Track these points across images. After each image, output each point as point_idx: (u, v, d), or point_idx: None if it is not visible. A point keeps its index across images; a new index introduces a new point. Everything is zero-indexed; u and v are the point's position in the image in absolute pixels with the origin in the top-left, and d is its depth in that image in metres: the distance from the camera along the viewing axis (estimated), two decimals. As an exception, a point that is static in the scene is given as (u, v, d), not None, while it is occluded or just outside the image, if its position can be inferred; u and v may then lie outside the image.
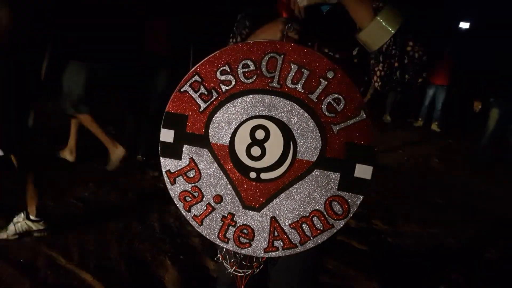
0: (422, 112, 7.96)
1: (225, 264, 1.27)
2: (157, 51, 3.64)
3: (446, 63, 7.27)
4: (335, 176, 1.05)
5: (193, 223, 1.14)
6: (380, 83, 1.03)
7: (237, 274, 1.24)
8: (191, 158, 1.09)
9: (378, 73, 1.03)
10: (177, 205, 1.13)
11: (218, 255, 1.30)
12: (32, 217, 2.49)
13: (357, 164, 1.03)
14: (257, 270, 1.23)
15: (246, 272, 1.23)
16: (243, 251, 1.12)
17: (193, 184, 1.11)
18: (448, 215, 3.91)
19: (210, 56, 1.05)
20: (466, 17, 16.90)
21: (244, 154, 1.07)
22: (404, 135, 7.01)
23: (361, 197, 1.04)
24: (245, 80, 1.03)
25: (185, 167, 1.10)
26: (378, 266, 2.78)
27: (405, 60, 0.97)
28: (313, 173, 1.05)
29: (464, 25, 17.44)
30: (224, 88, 1.05)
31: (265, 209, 1.08)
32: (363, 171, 1.03)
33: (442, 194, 4.44)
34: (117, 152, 3.36)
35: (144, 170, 3.87)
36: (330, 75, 1.00)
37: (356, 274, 2.63)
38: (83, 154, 3.98)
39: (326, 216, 1.05)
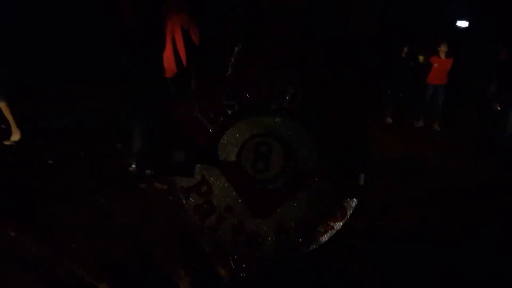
0: (423, 113, 8.03)
1: (238, 269, 1.39)
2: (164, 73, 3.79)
3: (444, 62, 7.38)
4: (333, 183, 1.17)
5: (207, 232, 1.27)
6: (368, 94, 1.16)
7: (249, 278, 1.36)
8: (203, 175, 1.23)
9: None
10: (192, 218, 1.27)
11: (231, 261, 1.42)
12: None
13: (352, 171, 1.16)
14: (267, 273, 1.36)
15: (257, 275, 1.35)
16: (254, 255, 1.24)
17: (205, 198, 1.24)
18: (453, 214, 3.97)
19: (216, 84, 1.19)
20: (464, 15, 16.94)
21: (250, 168, 1.20)
22: (406, 136, 7.08)
23: (356, 200, 1.16)
24: (247, 103, 1.17)
25: (197, 183, 1.24)
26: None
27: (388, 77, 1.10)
28: (313, 182, 1.18)
29: (462, 23, 17.46)
30: (229, 111, 1.19)
31: (272, 216, 1.21)
32: (357, 177, 1.16)
33: (445, 193, 4.50)
34: (15, 135, 4.14)
35: (153, 184, 3.98)
36: (323, 92, 1.14)
37: (354, 258, 2.67)
38: (93, 164, 4.07)
39: (326, 219, 1.18)
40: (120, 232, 2.87)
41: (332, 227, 1.18)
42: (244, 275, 1.36)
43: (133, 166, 4.22)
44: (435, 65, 7.52)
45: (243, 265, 1.36)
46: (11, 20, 4.15)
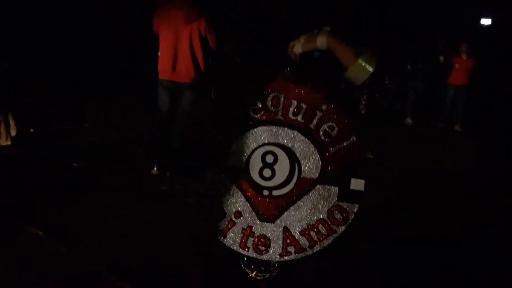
0: (444, 113, 7.96)
1: (247, 270, 1.47)
2: (182, 78, 3.92)
3: (466, 62, 7.29)
4: (334, 189, 1.24)
5: (218, 236, 1.35)
6: (365, 111, 1.23)
7: (258, 278, 1.44)
8: (213, 181, 1.32)
9: (363, 102, 1.23)
10: (204, 221, 1.35)
11: (240, 263, 1.50)
12: None
13: (352, 179, 1.22)
14: (274, 274, 1.43)
15: (265, 275, 1.42)
16: (262, 257, 1.32)
17: (216, 202, 1.33)
18: (453, 214, 3.90)
19: (226, 96, 1.28)
20: (487, 13, 16.43)
21: (257, 175, 1.28)
22: (426, 136, 7.04)
23: (357, 205, 1.23)
24: (255, 115, 1.25)
25: (208, 188, 1.32)
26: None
27: (384, 91, 1.17)
28: (316, 188, 1.25)
29: (486, 21, 16.91)
30: (237, 120, 1.27)
31: (278, 221, 1.29)
32: (357, 184, 1.22)
33: (447, 193, 4.45)
34: (13, 130, 4.45)
35: (173, 187, 4.11)
36: (324, 107, 1.21)
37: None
38: (111, 169, 4.21)
39: (329, 223, 1.25)
40: (135, 233, 2.99)
41: (335, 231, 1.24)
42: (252, 276, 1.43)
43: (155, 169, 4.37)
44: (456, 65, 7.43)
45: (251, 267, 1.44)
46: (11, 20, 4.28)
